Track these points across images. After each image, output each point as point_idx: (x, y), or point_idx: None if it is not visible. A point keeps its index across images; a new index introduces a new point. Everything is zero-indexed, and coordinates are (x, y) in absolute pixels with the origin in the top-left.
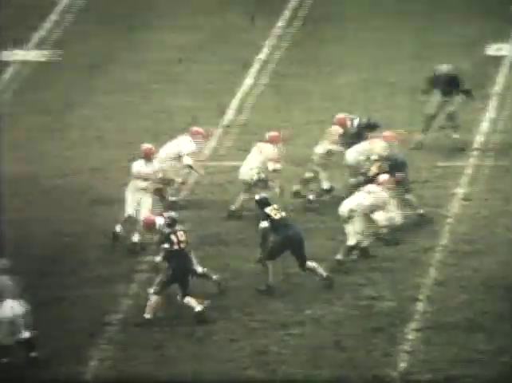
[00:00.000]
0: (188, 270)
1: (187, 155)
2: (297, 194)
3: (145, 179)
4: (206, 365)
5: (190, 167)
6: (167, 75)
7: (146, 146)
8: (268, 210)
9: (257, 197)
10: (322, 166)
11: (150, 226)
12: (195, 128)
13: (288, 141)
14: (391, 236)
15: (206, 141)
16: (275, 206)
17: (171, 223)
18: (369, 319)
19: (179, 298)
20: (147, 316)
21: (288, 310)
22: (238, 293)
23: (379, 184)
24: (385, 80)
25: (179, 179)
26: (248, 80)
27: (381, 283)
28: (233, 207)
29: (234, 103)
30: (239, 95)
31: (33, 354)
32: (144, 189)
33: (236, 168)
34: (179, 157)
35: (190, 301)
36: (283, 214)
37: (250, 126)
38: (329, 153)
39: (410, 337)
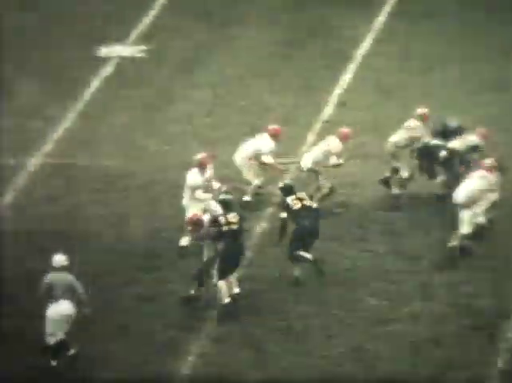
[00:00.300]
0: (238, 255)
1: (267, 153)
2: (386, 183)
3: (199, 189)
4: (302, 361)
5: (269, 165)
6: (265, 70)
7: (201, 155)
8: (289, 199)
9: (281, 184)
10: (393, 155)
11: (195, 223)
12: (273, 127)
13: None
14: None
15: (279, 140)
16: (299, 195)
17: (225, 206)
18: (468, 317)
19: (215, 279)
20: (226, 300)
21: (385, 307)
22: (335, 288)
23: (486, 169)
24: (484, 77)
25: (258, 180)
26: (347, 76)
27: (480, 281)
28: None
29: (332, 98)
30: (337, 90)
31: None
32: (201, 199)
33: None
34: (258, 156)
35: (231, 281)
36: (307, 203)
37: (347, 122)
38: (405, 146)
39: (509, 335)
